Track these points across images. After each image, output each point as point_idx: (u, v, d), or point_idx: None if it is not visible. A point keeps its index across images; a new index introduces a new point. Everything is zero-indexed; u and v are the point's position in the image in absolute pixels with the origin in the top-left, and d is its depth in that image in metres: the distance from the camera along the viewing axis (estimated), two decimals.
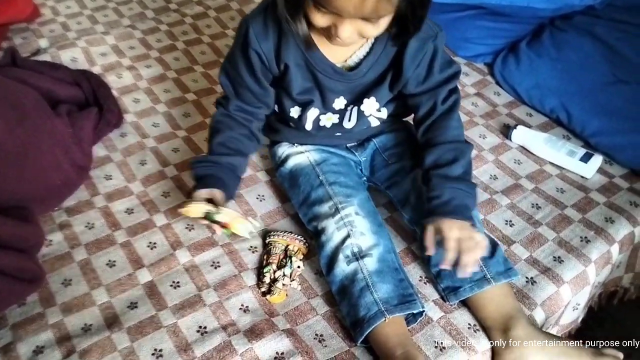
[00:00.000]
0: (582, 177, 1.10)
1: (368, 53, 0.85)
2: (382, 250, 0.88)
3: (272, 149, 1.06)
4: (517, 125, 1.17)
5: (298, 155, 1.01)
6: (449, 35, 1.44)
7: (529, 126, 1.21)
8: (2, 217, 0.81)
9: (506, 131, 1.20)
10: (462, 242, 0.81)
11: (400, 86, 0.89)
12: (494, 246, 0.89)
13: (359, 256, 0.86)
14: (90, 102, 1.14)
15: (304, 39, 0.79)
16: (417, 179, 0.93)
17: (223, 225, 0.84)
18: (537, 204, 1.05)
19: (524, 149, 1.16)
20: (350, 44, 0.80)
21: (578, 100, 1.19)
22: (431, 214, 0.85)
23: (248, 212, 1.02)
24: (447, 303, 0.88)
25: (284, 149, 1.03)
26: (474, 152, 1.14)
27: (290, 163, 1.01)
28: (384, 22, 0.73)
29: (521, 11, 1.34)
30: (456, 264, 0.81)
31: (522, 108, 1.27)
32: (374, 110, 0.92)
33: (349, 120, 0.94)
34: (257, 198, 1.05)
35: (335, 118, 0.94)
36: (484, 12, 1.41)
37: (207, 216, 0.83)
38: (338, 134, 0.97)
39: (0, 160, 0.88)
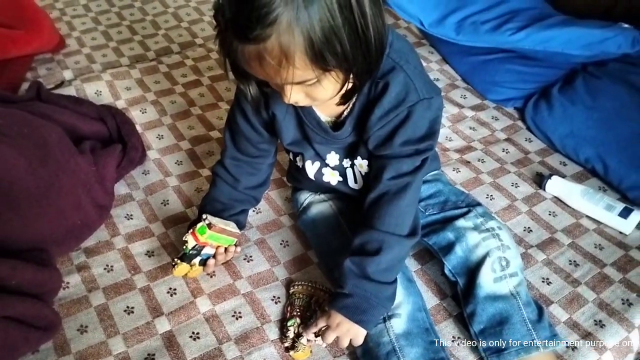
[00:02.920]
0: (620, 232, 1.05)
1: (351, 110, 0.79)
2: (411, 309, 0.84)
3: (294, 195, 1.03)
4: (551, 175, 1.13)
5: (321, 204, 0.98)
6: (478, 78, 1.44)
7: (563, 176, 1.17)
8: (21, 262, 0.78)
9: (539, 180, 1.15)
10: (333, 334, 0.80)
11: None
12: (540, 309, 0.85)
13: (386, 316, 0.82)
14: (114, 139, 1.12)
15: (254, 101, 0.75)
16: (462, 229, 0.89)
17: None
18: (575, 261, 1.00)
19: (559, 201, 1.12)
20: (312, 104, 0.75)
21: (615, 152, 1.15)
22: (332, 298, 0.82)
23: (271, 259, 0.99)
24: None
25: (305, 196, 1.00)
26: (505, 202, 1.11)
27: (313, 211, 0.97)
28: (328, 84, 0.66)
29: (554, 56, 1.32)
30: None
31: (556, 156, 1.23)
32: (366, 169, 0.87)
33: (355, 182, 0.90)
34: (281, 244, 1.01)
35: (337, 175, 0.90)
36: (514, 56, 1.39)
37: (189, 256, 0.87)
38: (352, 192, 0.92)
39: (21, 200, 0.86)
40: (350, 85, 0.70)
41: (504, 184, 1.15)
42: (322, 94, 0.68)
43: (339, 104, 0.76)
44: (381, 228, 0.79)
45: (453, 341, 0.87)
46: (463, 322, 0.88)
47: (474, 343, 0.86)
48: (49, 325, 0.80)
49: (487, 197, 1.12)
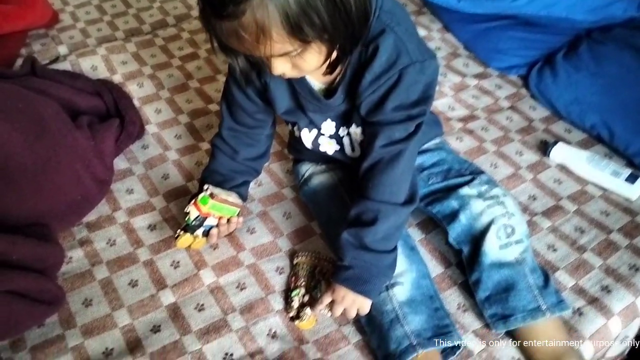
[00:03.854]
0: (626, 199, 1.04)
1: (343, 76, 0.76)
2: (415, 276, 0.83)
3: (295, 167, 1.02)
4: (556, 142, 1.12)
5: (322, 175, 0.96)
6: (480, 46, 1.41)
7: (569, 143, 1.15)
8: (21, 237, 0.78)
9: (544, 148, 1.14)
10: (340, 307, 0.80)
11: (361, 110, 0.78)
12: (546, 275, 0.84)
13: (388, 284, 0.81)
14: (112, 113, 1.11)
15: (243, 73, 0.73)
16: (466, 197, 0.87)
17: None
18: (580, 228, 0.99)
19: (563, 168, 1.10)
20: (300, 75, 0.73)
21: (621, 117, 1.13)
22: (334, 272, 0.82)
23: (274, 230, 0.98)
24: (493, 331, 0.82)
25: (307, 167, 0.99)
26: (509, 170, 1.09)
27: (315, 182, 0.96)
28: (311, 56, 0.64)
29: (558, 22, 1.29)
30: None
31: (560, 123, 1.21)
32: (361, 137, 0.85)
33: (352, 150, 0.88)
34: (284, 216, 1.01)
35: (334, 144, 0.89)
36: (517, 22, 1.36)
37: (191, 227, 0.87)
38: (350, 161, 0.91)
39: (19, 176, 0.84)
40: (336, 54, 0.68)
41: (508, 152, 1.14)
42: (307, 65, 0.67)
43: (326, 73, 0.74)
44: (376, 197, 0.78)
45: (458, 308, 0.87)
46: (468, 289, 0.88)
47: (479, 310, 0.85)
48: (53, 299, 0.79)
49: (491, 166, 1.10)
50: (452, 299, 0.88)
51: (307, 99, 0.80)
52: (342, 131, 0.86)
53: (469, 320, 0.85)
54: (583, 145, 1.17)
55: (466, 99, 1.28)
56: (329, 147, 0.89)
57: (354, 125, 0.83)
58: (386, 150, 0.77)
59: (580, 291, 0.89)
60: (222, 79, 1.30)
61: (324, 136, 0.88)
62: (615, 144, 1.13)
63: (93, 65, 1.28)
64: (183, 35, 1.43)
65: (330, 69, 0.71)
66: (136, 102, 1.20)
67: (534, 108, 1.26)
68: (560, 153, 1.10)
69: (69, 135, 0.94)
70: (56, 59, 1.30)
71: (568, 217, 1.01)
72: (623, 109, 1.13)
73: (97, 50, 1.32)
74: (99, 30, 1.44)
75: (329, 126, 0.86)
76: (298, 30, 0.59)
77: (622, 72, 1.18)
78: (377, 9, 0.71)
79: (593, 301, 0.87)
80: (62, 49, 1.35)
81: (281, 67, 0.67)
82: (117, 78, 1.27)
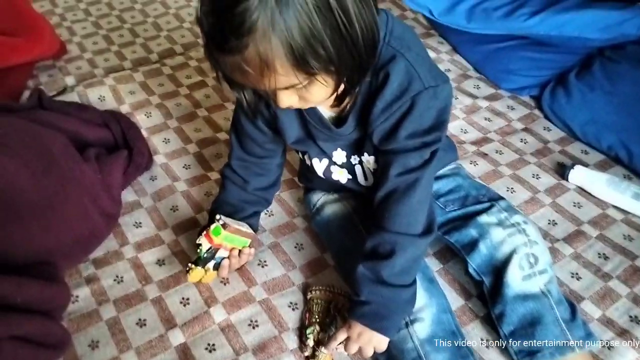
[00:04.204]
0: None
1: (354, 104, 0.74)
2: (435, 311, 0.80)
3: (307, 196, 0.99)
4: (574, 164, 1.08)
5: (335, 204, 0.94)
6: (490, 67, 1.39)
7: (586, 165, 1.12)
8: (26, 279, 0.75)
9: (561, 171, 1.11)
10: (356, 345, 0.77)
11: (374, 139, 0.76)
12: (572, 307, 0.80)
13: (408, 321, 0.78)
14: (120, 144, 1.09)
15: (250, 106, 0.71)
16: (486, 225, 0.84)
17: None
18: (604, 254, 0.95)
19: (583, 191, 1.07)
20: (307, 106, 0.71)
21: (639, 137, 1.10)
22: (350, 307, 0.79)
23: (286, 263, 0.95)
24: None
25: (319, 196, 0.96)
26: (527, 194, 1.06)
27: (327, 211, 0.94)
28: (317, 88, 0.62)
29: (570, 41, 1.27)
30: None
31: (577, 145, 1.19)
32: (374, 165, 0.82)
33: (365, 179, 0.86)
34: (296, 247, 0.98)
35: (345, 173, 0.86)
36: (528, 42, 1.34)
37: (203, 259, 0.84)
38: (364, 190, 0.88)
39: (25, 212, 0.82)
40: (343, 86, 0.66)
41: (525, 176, 1.11)
42: (314, 98, 0.65)
43: (334, 105, 0.73)
44: (392, 229, 0.75)
45: (481, 343, 0.83)
46: (491, 323, 0.84)
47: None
48: (58, 343, 0.76)
49: (507, 190, 1.07)
50: (475, 333, 0.84)
51: (317, 128, 0.78)
52: (354, 160, 0.83)
53: (493, 357, 0.81)
54: (601, 167, 1.13)
55: (478, 121, 1.25)
56: (340, 176, 0.87)
57: (366, 154, 0.81)
58: (401, 179, 0.74)
59: (608, 322, 0.85)
60: (231, 107, 1.29)
61: (336, 165, 0.85)
62: (634, 164, 1.10)
63: (101, 96, 1.27)
64: (191, 64, 1.42)
65: (339, 100, 0.69)
66: (144, 132, 1.19)
67: (548, 129, 1.23)
68: (579, 176, 1.07)
69: (76, 169, 0.92)
70: (63, 90, 1.29)
71: (590, 242, 0.97)
72: None
73: (105, 81, 1.31)
74: (106, 60, 1.44)
75: (340, 155, 0.83)
76: (303, 62, 0.57)
77: (638, 91, 1.15)
78: (386, 35, 0.69)
79: (622, 333, 0.83)
80: (70, 80, 1.35)
81: (287, 100, 0.65)
82: (124, 108, 1.26)
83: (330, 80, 0.62)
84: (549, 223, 1.01)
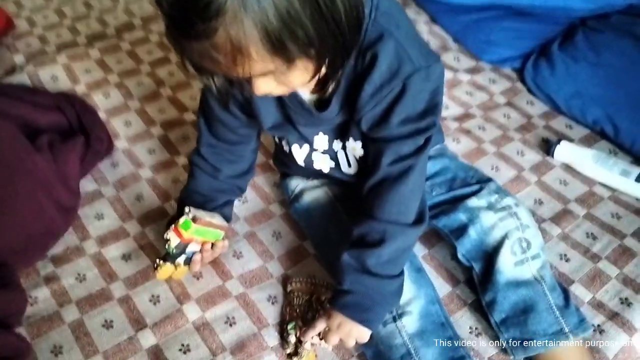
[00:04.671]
0: (638, 199, 0.98)
1: (337, 85, 0.67)
2: (423, 303, 0.75)
3: (284, 181, 0.93)
4: (560, 140, 1.05)
5: (314, 190, 0.88)
6: (471, 38, 1.33)
7: (570, 140, 1.09)
8: None
9: (546, 147, 1.07)
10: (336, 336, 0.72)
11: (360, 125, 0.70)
12: (565, 293, 0.77)
13: (395, 315, 0.73)
14: (75, 129, 1.00)
15: (221, 94, 0.63)
16: (475, 209, 0.80)
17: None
18: (592, 233, 0.92)
19: (568, 168, 1.04)
20: (285, 93, 0.64)
21: (626, 111, 1.06)
22: (332, 296, 0.74)
23: (263, 254, 0.89)
24: (511, 357, 0.75)
25: (297, 182, 0.90)
26: (512, 173, 1.02)
27: (306, 198, 0.87)
28: (296, 73, 0.56)
29: (553, 11, 1.22)
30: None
31: (561, 119, 1.15)
32: (360, 152, 0.77)
33: (349, 166, 0.80)
34: (273, 236, 0.92)
35: (328, 160, 0.80)
36: (510, 12, 1.29)
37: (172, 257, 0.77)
38: (347, 178, 0.82)
39: None
40: (325, 70, 0.59)
41: (509, 153, 1.06)
42: (294, 83, 0.59)
43: (315, 91, 0.66)
44: (382, 217, 0.69)
45: (470, 332, 0.79)
46: (480, 310, 0.80)
47: (493, 333, 0.78)
48: (16, 354, 0.69)
49: (492, 169, 1.03)
50: (463, 321, 0.80)
51: (296, 112, 0.71)
52: (336, 145, 0.77)
53: (484, 346, 0.78)
54: (586, 141, 1.10)
55: (460, 95, 1.20)
56: (323, 164, 0.81)
57: (351, 139, 0.75)
58: (394, 168, 0.69)
59: (598, 305, 0.82)
60: (197, 85, 1.20)
61: (317, 152, 0.79)
62: (620, 139, 1.07)
63: (53, 76, 1.17)
64: (152, 38, 1.32)
65: (321, 85, 0.62)
66: (102, 115, 1.09)
67: (531, 103, 1.19)
68: (565, 152, 1.03)
69: (27, 160, 0.83)
70: (12, 71, 1.18)
71: (578, 222, 0.94)
72: (628, 102, 1.07)
73: (57, 59, 1.21)
74: (58, 36, 1.32)
75: (321, 140, 0.77)
76: (280, 46, 0.50)
77: (625, 62, 1.12)
78: (372, 11, 0.62)
79: (613, 316, 0.80)
80: (18, 59, 1.23)
81: (265, 87, 0.58)
82: (80, 88, 1.16)
83: (310, 65, 0.55)
84: (535, 202, 0.98)
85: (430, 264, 0.88)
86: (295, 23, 0.49)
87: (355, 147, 0.75)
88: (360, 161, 0.78)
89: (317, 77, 0.59)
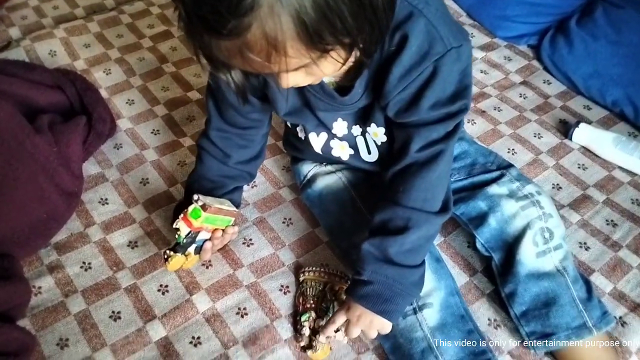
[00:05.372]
0: None
1: (360, 70, 0.64)
2: (444, 294, 0.73)
3: (295, 166, 0.89)
4: (578, 122, 1.01)
5: (328, 176, 0.84)
6: (486, 13, 1.28)
7: (589, 122, 1.05)
8: None
9: (564, 129, 1.04)
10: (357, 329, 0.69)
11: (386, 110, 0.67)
12: (588, 285, 0.75)
13: (416, 307, 0.71)
14: (76, 109, 0.96)
15: (240, 89, 0.57)
16: (496, 197, 0.77)
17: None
18: (612, 220, 0.90)
19: (587, 151, 1.00)
20: (313, 83, 0.60)
21: None
22: (350, 287, 0.71)
23: (274, 241, 0.86)
24: (533, 352, 0.74)
25: (309, 167, 0.86)
26: (529, 156, 0.99)
27: (319, 184, 0.84)
28: (328, 63, 0.51)
29: None
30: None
31: (579, 99, 1.11)
32: (383, 138, 0.73)
33: (368, 153, 0.76)
34: (284, 222, 0.89)
35: (347, 147, 0.77)
36: None
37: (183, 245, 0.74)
38: (366, 166, 0.79)
39: None
40: (357, 57, 0.55)
41: (526, 135, 1.03)
42: (324, 73, 0.55)
43: (345, 80, 0.63)
44: (407, 204, 0.67)
45: (489, 324, 0.77)
46: (498, 300, 0.79)
47: (513, 325, 0.76)
48: (20, 348, 0.67)
49: (508, 152, 1.00)
50: (482, 313, 0.79)
51: (316, 97, 0.67)
52: (355, 130, 0.73)
53: (503, 338, 0.76)
54: (605, 123, 1.07)
55: (474, 73, 1.15)
56: (342, 152, 0.77)
57: (373, 125, 0.71)
58: (423, 154, 0.66)
59: (620, 296, 0.80)
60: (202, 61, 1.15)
61: (336, 138, 0.75)
62: None
63: (51, 51, 1.12)
64: (153, 10, 1.26)
65: (355, 73, 0.59)
66: (104, 93, 1.05)
67: (548, 82, 1.15)
68: (584, 135, 1.00)
69: (27, 142, 0.79)
70: (7, 45, 1.13)
71: (597, 208, 0.92)
72: None
73: (55, 32, 1.15)
74: (55, 8, 1.26)
75: (340, 126, 0.73)
76: (318, 40, 0.46)
77: None
78: None
79: (635, 308, 0.79)
80: (14, 32, 1.17)
81: (293, 80, 0.54)
82: (79, 64, 1.11)
83: (343, 52, 0.51)
84: (553, 187, 0.95)
85: (446, 253, 0.85)
86: (333, 12, 0.45)
87: (377, 133, 0.72)
88: (382, 147, 0.74)
89: (347, 64, 0.55)
